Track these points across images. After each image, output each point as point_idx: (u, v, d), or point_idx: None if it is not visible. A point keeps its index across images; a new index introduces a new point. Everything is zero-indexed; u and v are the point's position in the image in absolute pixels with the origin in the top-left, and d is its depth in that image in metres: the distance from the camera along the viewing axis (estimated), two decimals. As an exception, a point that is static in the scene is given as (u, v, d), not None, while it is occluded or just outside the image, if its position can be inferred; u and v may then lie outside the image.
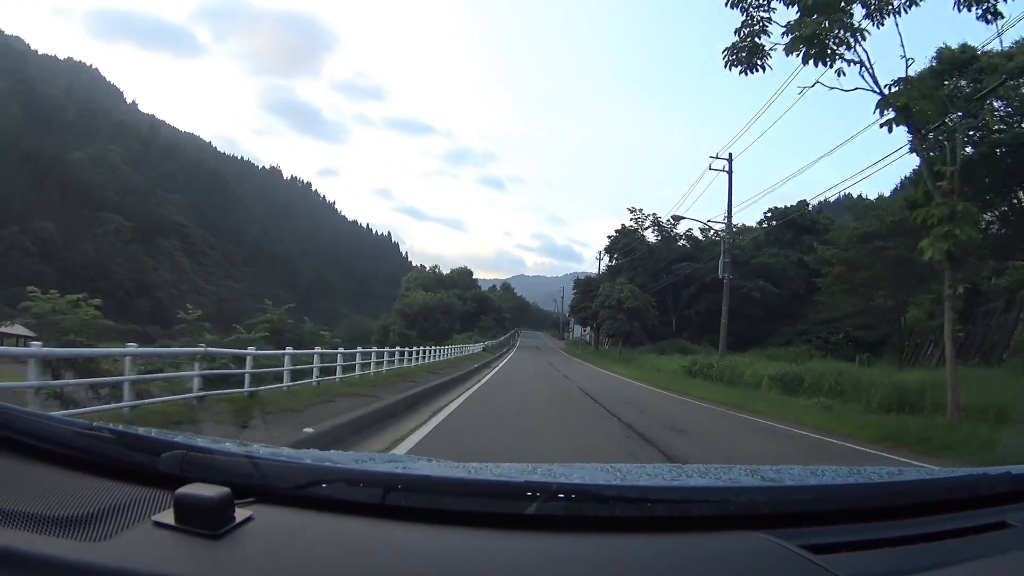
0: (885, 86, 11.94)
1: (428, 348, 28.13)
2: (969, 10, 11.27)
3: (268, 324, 18.28)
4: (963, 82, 22.86)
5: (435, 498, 1.14)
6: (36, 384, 5.75)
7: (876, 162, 39.32)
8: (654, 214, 66.84)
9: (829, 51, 11.14)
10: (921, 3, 11.67)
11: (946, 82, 21.06)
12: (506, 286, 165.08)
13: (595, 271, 73.29)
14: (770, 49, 12.27)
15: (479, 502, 1.14)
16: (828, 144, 62.78)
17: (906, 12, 11.73)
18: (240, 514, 0.99)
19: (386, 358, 17.90)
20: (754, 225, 60.12)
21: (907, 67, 11.99)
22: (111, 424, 1.29)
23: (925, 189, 12.67)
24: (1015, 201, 28.06)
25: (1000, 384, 13.77)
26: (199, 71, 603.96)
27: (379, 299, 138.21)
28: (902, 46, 11.96)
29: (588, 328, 73.26)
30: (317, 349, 12.05)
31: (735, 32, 12.48)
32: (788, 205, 58.10)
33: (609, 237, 69.55)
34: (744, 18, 12.35)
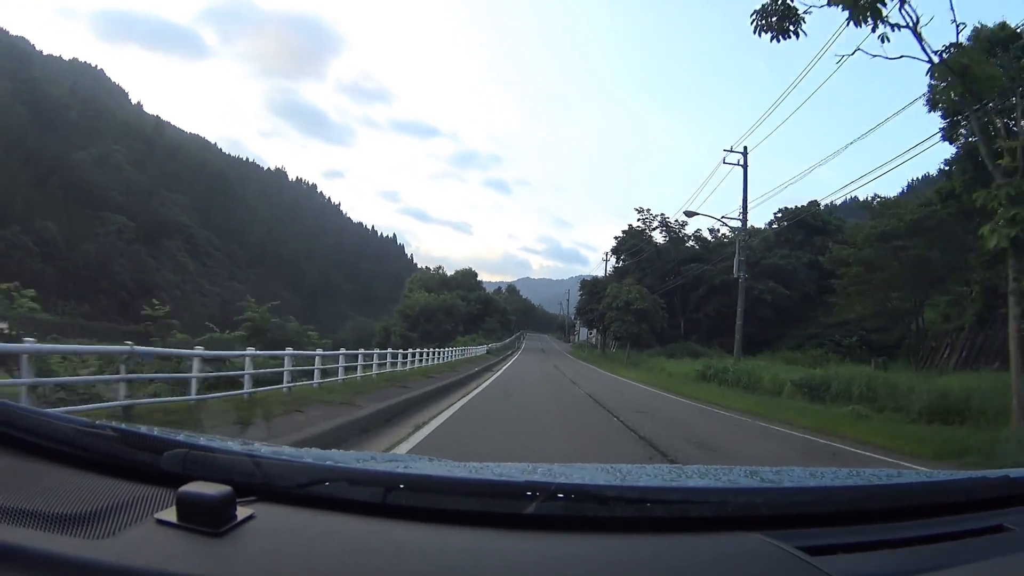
0: (935, 52, 10.58)
1: (426, 350, 26.53)
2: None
3: (250, 323, 16.93)
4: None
5: (436, 497, 1.14)
6: None
7: (896, 157, 37.80)
8: (662, 214, 65.25)
9: (881, 2, 9.72)
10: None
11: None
12: (511, 288, 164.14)
13: (601, 274, 71.67)
14: (804, 12, 10.91)
15: (479, 502, 1.14)
16: (835, 148, 61.47)
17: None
18: (242, 512, 1.00)
19: (376, 360, 16.35)
20: (763, 227, 58.90)
21: (958, 32, 10.64)
22: (114, 422, 1.30)
23: (966, 176, 11.34)
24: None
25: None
26: (205, 73, 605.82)
27: (384, 301, 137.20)
28: (952, 8, 10.62)
29: (595, 331, 71.79)
30: (288, 350, 10.56)
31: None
32: (798, 205, 56.92)
33: (616, 238, 67.83)
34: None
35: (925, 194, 36.62)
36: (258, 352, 9.80)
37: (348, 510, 1.08)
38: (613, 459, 7.56)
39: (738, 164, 27.88)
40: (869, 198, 51.28)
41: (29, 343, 5.86)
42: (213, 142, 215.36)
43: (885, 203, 40.01)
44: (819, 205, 53.42)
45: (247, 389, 9.03)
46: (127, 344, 6.55)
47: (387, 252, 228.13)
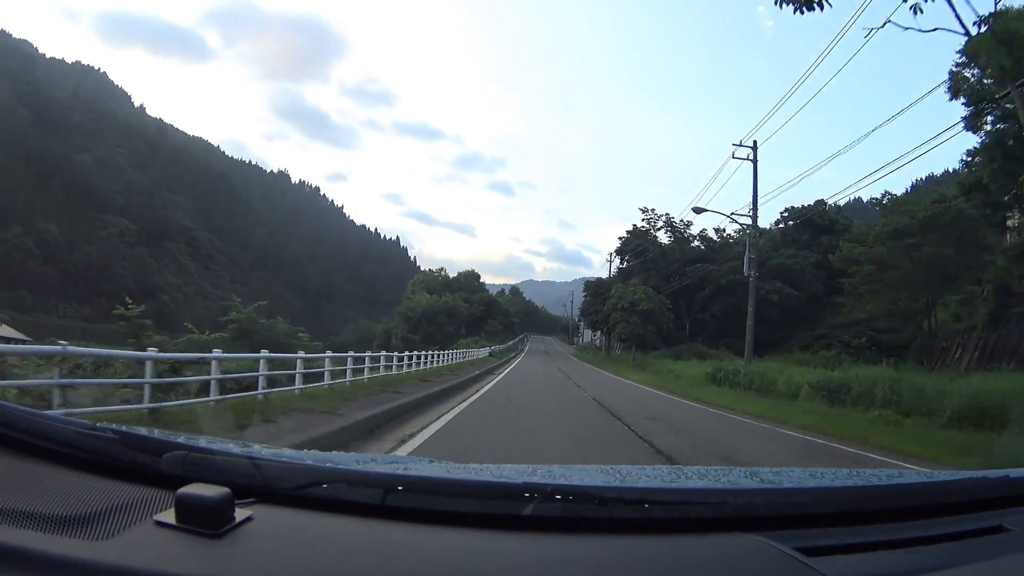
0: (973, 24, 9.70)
1: (424, 353, 25.59)
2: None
3: (236, 325, 16.08)
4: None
5: (434, 499, 1.14)
6: None
7: (909, 152, 36.82)
8: (666, 214, 64.45)
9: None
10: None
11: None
12: (515, 290, 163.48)
13: (605, 276, 70.66)
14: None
15: (478, 503, 1.14)
16: (838, 149, 60.38)
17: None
18: (240, 514, 1.00)
19: (367, 364, 15.44)
20: (770, 227, 58.04)
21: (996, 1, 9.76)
22: (114, 424, 1.29)
23: (994, 165, 10.41)
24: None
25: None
26: (208, 75, 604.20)
27: (388, 304, 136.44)
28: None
29: (599, 332, 70.79)
30: (264, 352, 9.65)
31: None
32: (805, 205, 55.95)
33: (620, 238, 66.93)
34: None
35: (939, 191, 35.71)
36: (225, 355, 8.89)
37: (347, 511, 1.08)
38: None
39: (748, 159, 26.94)
40: (876, 198, 50.48)
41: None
42: (216, 145, 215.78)
43: (896, 200, 39.05)
44: (825, 204, 52.53)
45: (213, 396, 8.13)
46: (60, 344, 5.70)
47: (391, 255, 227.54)
